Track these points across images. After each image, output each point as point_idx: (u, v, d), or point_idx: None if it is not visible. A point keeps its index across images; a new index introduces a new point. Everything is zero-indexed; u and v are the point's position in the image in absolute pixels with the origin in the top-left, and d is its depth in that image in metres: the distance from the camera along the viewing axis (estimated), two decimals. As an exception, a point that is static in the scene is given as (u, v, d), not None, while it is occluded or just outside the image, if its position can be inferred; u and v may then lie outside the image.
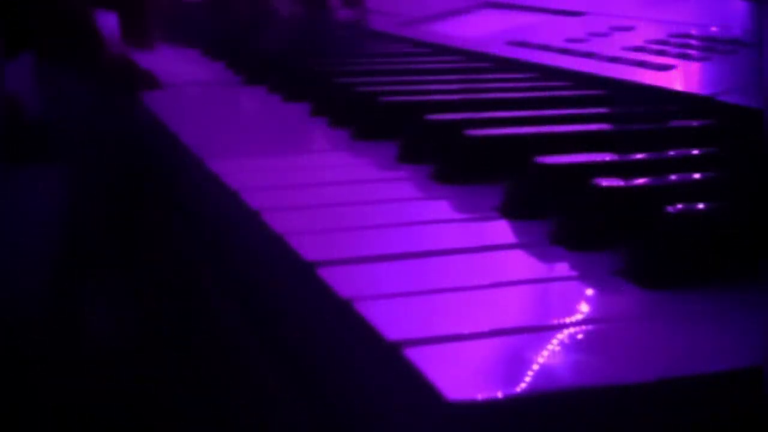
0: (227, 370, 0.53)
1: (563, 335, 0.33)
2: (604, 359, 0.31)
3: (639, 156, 0.49)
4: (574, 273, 0.39)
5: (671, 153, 0.50)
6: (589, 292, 0.37)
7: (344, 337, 0.36)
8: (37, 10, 0.81)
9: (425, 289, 0.37)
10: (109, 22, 0.93)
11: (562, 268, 0.40)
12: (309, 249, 0.40)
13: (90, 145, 0.98)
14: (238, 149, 0.60)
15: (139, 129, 0.77)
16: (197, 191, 0.59)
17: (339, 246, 0.42)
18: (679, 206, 0.38)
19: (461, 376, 0.30)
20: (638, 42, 0.74)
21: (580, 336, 0.33)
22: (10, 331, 0.94)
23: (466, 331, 0.33)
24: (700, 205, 0.39)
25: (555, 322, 0.34)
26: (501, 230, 0.45)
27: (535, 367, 0.31)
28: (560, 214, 0.43)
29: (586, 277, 0.38)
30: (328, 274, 0.38)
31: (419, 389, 0.29)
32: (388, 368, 0.32)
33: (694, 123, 0.56)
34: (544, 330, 0.33)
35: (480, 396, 0.28)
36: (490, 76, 0.77)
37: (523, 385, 0.29)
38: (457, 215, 0.47)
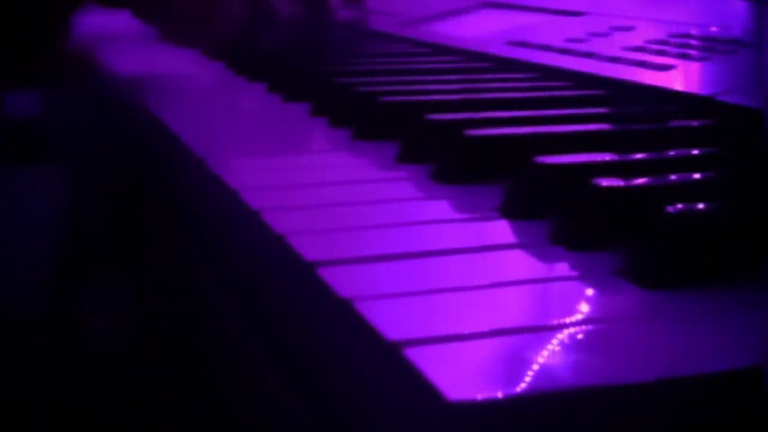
0: (227, 370, 0.53)
1: (563, 335, 0.33)
2: (604, 359, 0.31)
3: (639, 156, 0.49)
4: (574, 273, 0.39)
5: (671, 153, 0.50)
6: (589, 292, 0.37)
7: (344, 337, 0.36)
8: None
9: (425, 289, 0.37)
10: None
11: (562, 268, 0.40)
12: (309, 249, 0.40)
13: (90, 145, 0.98)
14: (238, 149, 0.60)
15: (139, 129, 0.77)
16: (197, 191, 0.59)
17: (339, 246, 0.42)
18: (679, 206, 0.38)
19: (461, 376, 0.30)
20: (638, 42, 0.74)
21: (580, 336, 0.33)
22: (10, 331, 0.94)
23: (466, 331, 0.33)
24: (700, 205, 0.39)
25: (555, 322, 0.34)
26: (501, 230, 0.45)
27: (535, 367, 0.31)
28: (560, 214, 0.43)
29: (586, 277, 0.38)
30: (328, 274, 0.38)
31: (419, 389, 0.29)
32: (388, 368, 0.32)
33: (694, 123, 0.56)
34: (544, 330, 0.33)
35: (480, 396, 0.28)
36: (490, 76, 0.77)
37: (523, 385, 0.29)
38: (457, 215, 0.47)
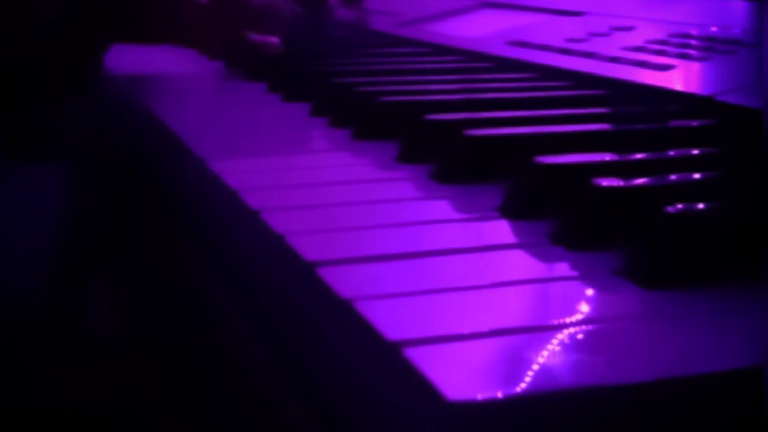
0: (227, 370, 0.53)
1: (563, 335, 0.33)
2: (604, 359, 0.31)
3: (639, 156, 0.49)
4: (574, 273, 0.39)
5: (671, 153, 0.50)
6: (589, 292, 0.37)
7: (344, 337, 0.36)
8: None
9: (425, 289, 0.37)
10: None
11: (562, 268, 0.40)
12: (309, 249, 0.40)
13: (90, 145, 0.98)
14: (238, 149, 0.60)
15: (138, 129, 0.77)
16: (197, 191, 0.59)
17: (339, 246, 0.42)
18: (679, 206, 0.38)
19: (461, 376, 0.30)
20: (638, 42, 0.74)
21: (580, 336, 0.33)
22: (9, 331, 0.94)
23: (466, 331, 0.33)
24: (700, 205, 0.39)
25: (555, 322, 0.34)
26: (501, 230, 0.45)
27: (535, 367, 0.31)
28: (560, 214, 0.43)
29: (586, 277, 0.38)
30: (328, 274, 0.38)
31: (419, 389, 0.29)
32: (388, 368, 0.32)
33: (694, 123, 0.56)
34: (544, 330, 0.33)
35: (480, 396, 0.28)
36: (490, 76, 0.76)
37: (523, 385, 0.29)
38: (457, 215, 0.47)
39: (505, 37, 0.87)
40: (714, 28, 0.74)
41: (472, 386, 0.29)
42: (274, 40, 0.87)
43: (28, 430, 0.83)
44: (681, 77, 0.64)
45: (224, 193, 0.51)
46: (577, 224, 0.42)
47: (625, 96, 0.65)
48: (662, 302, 0.36)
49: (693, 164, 0.47)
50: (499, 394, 0.28)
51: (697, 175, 0.44)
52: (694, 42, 0.71)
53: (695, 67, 0.65)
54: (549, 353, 0.32)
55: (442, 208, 0.48)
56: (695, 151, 0.50)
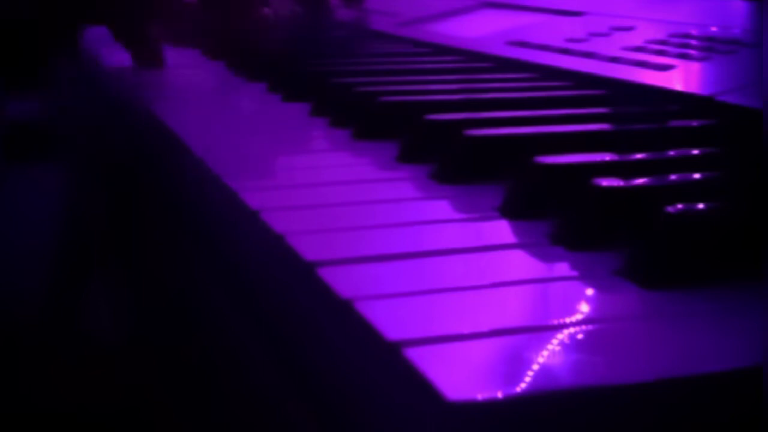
0: (227, 370, 0.53)
1: (563, 335, 0.33)
2: (604, 359, 0.31)
3: (639, 156, 0.49)
4: (574, 273, 0.39)
5: (671, 153, 0.50)
6: (590, 292, 0.37)
7: (344, 337, 0.36)
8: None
9: (425, 289, 0.37)
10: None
11: (562, 268, 0.40)
12: (309, 249, 0.40)
13: (90, 145, 0.98)
14: (238, 149, 0.60)
15: (138, 128, 0.77)
16: (197, 191, 0.59)
17: (339, 246, 0.42)
18: (679, 206, 0.38)
19: (461, 375, 0.30)
20: (638, 42, 0.74)
21: (580, 336, 0.33)
22: (9, 331, 0.94)
23: (466, 331, 0.33)
24: (700, 205, 0.39)
25: (555, 322, 0.34)
26: (501, 230, 0.45)
27: (535, 367, 0.31)
28: (560, 214, 0.43)
29: (586, 277, 0.38)
30: (328, 274, 0.38)
31: (419, 389, 0.29)
32: (388, 368, 0.32)
33: (694, 123, 0.56)
34: (544, 330, 0.33)
35: (480, 396, 0.28)
36: (490, 76, 0.77)
37: (523, 385, 0.29)
38: (457, 215, 0.47)
39: (505, 37, 0.87)
40: (714, 28, 0.74)
41: (472, 386, 0.29)
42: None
43: (28, 430, 0.83)
44: (681, 77, 0.64)
45: (224, 193, 0.51)
46: (577, 224, 0.42)
47: (625, 96, 0.65)
48: (662, 302, 0.36)
49: (693, 164, 0.47)
50: (499, 394, 0.28)
51: (697, 175, 0.44)
52: (694, 42, 0.71)
53: (695, 67, 0.65)
54: (549, 353, 0.32)
55: (442, 208, 0.48)
56: (695, 151, 0.50)
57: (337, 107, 0.68)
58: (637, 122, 0.58)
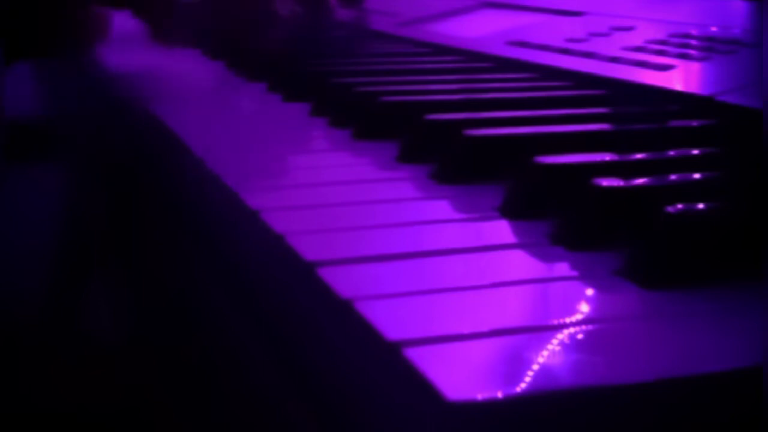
0: (227, 370, 0.53)
1: (563, 335, 0.33)
2: (604, 359, 0.31)
3: (639, 156, 0.49)
4: (574, 273, 0.39)
5: (671, 153, 0.50)
6: (589, 292, 0.37)
7: (344, 337, 0.36)
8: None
9: (425, 289, 0.37)
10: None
11: (562, 268, 0.40)
12: (309, 249, 0.40)
13: (90, 145, 0.98)
14: (238, 149, 0.60)
15: (138, 128, 0.77)
16: (197, 191, 0.59)
17: (339, 246, 0.42)
18: (679, 206, 0.38)
19: (461, 376, 0.30)
20: (638, 42, 0.74)
21: (580, 336, 0.33)
22: (10, 331, 0.94)
23: (466, 331, 0.33)
24: (700, 205, 0.39)
25: (555, 322, 0.34)
26: (501, 230, 0.45)
27: (535, 367, 0.31)
28: (560, 214, 0.43)
29: (586, 277, 0.38)
30: (328, 274, 0.38)
31: (419, 389, 0.29)
32: (388, 368, 0.32)
33: (694, 123, 0.56)
34: (544, 330, 0.33)
35: (480, 396, 0.28)
36: (490, 76, 0.77)
37: (523, 385, 0.29)
38: (457, 215, 0.47)
39: (505, 37, 0.87)
40: (714, 28, 0.74)
41: (472, 386, 0.29)
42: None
43: (28, 430, 0.83)
44: (681, 77, 0.64)
45: (224, 193, 0.51)
46: (577, 224, 0.42)
47: (625, 96, 0.65)
48: (662, 302, 0.36)
49: (693, 164, 0.47)
50: (499, 394, 0.28)
51: (697, 175, 0.44)
52: (694, 42, 0.71)
53: (695, 67, 0.65)
54: (549, 353, 0.32)
55: (442, 208, 0.48)
56: (695, 151, 0.50)
57: (337, 107, 0.68)
58: (637, 122, 0.58)
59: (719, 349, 0.32)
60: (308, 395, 0.40)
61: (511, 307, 0.36)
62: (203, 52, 1.01)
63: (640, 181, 0.43)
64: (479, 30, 0.94)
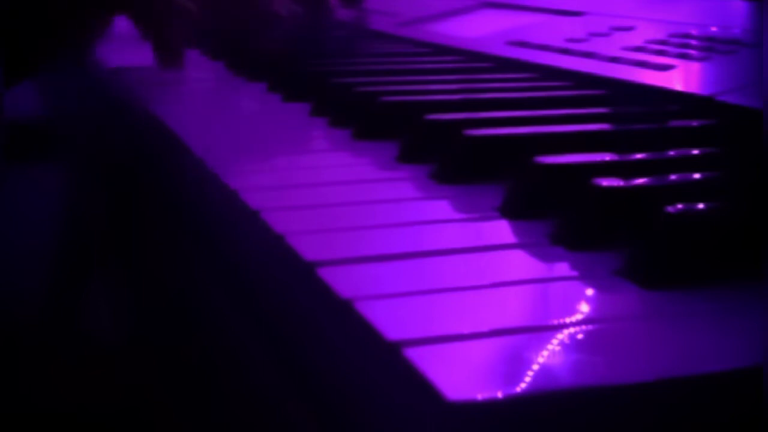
0: (227, 370, 0.53)
1: (563, 335, 0.33)
2: (604, 359, 0.31)
3: (639, 156, 0.49)
4: (574, 273, 0.39)
5: (671, 153, 0.50)
6: (590, 292, 0.37)
7: (344, 337, 0.36)
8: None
9: (425, 289, 0.37)
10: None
11: (563, 268, 0.40)
12: (309, 249, 0.40)
13: (90, 145, 0.98)
14: (238, 149, 0.60)
15: (138, 128, 0.77)
16: (197, 191, 0.59)
17: (339, 246, 0.42)
18: (679, 206, 0.38)
19: (461, 375, 0.30)
20: (638, 42, 0.74)
21: (580, 336, 0.33)
22: (10, 331, 0.94)
23: (466, 331, 0.33)
24: (700, 205, 0.39)
25: (555, 322, 0.34)
26: (501, 230, 0.45)
27: (535, 367, 0.31)
28: (560, 214, 0.43)
29: (586, 277, 0.38)
30: (328, 274, 0.38)
31: (419, 389, 0.29)
32: (388, 368, 0.32)
33: (694, 123, 0.56)
34: (544, 330, 0.33)
35: (480, 396, 0.28)
36: (490, 76, 0.77)
37: (523, 385, 0.29)
38: (457, 215, 0.47)
39: (505, 37, 0.87)
40: (714, 28, 0.74)
41: (472, 386, 0.29)
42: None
43: (28, 430, 0.83)
44: (681, 77, 0.64)
45: (224, 193, 0.51)
46: (577, 224, 0.42)
47: (625, 96, 0.65)
48: (662, 302, 0.36)
49: (693, 164, 0.47)
50: (499, 394, 0.28)
51: (697, 175, 0.44)
52: (694, 42, 0.71)
53: (695, 67, 0.65)
54: (549, 353, 0.32)
55: (442, 208, 0.48)
56: (695, 151, 0.50)
57: (337, 107, 0.68)
58: (637, 122, 0.58)
59: (719, 349, 0.32)
60: (308, 395, 0.40)
61: (511, 307, 0.36)
62: (203, 52, 1.01)
63: (640, 181, 0.43)
64: (479, 30, 0.94)
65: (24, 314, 0.99)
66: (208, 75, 0.92)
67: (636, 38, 0.75)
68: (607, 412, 0.29)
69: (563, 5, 0.92)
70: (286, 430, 0.43)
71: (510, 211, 0.46)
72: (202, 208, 0.59)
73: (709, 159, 0.49)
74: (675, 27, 0.76)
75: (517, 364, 0.31)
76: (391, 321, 0.33)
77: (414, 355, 0.31)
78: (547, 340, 0.32)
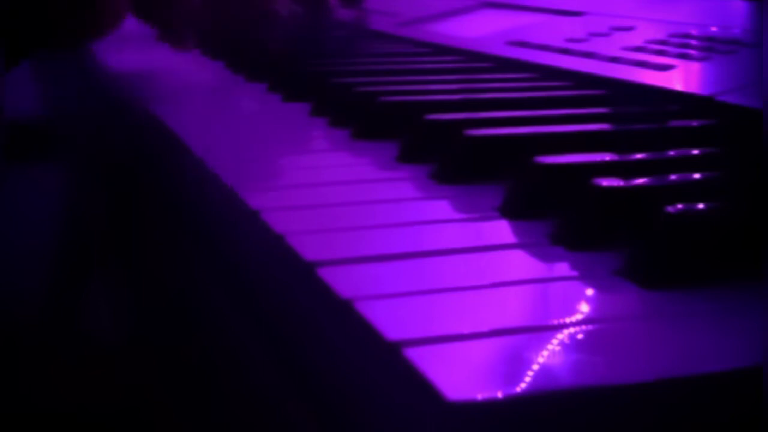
0: (227, 370, 0.53)
1: (563, 335, 0.33)
2: (604, 359, 0.31)
3: (639, 156, 0.49)
4: (574, 273, 0.39)
5: (671, 153, 0.50)
6: (589, 292, 0.37)
7: (344, 337, 0.36)
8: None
9: (425, 289, 0.37)
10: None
11: (562, 268, 0.40)
12: (309, 249, 0.40)
13: (90, 145, 0.98)
14: (238, 149, 0.60)
15: (138, 128, 0.77)
16: (197, 191, 0.59)
17: (339, 246, 0.42)
18: (679, 206, 0.38)
19: (461, 375, 0.30)
20: (638, 42, 0.74)
21: (580, 336, 0.33)
22: (10, 331, 0.94)
23: (466, 331, 0.33)
24: (700, 205, 0.39)
25: (555, 322, 0.34)
26: (501, 230, 0.45)
27: (535, 367, 0.31)
28: (560, 214, 0.43)
29: (586, 277, 0.38)
30: (328, 274, 0.38)
31: (419, 389, 0.29)
32: (388, 368, 0.32)
33: (694, 123, 0.56)
34: (544, 330, 0.33)
35: (480, 396, 0.28)
36: (490, 76, 0.76)
37: (523, 385, 0.29)
38: (457, 215, 0.47)
39: (505, 37, 0.87)
40: (714, 28, 0.74)
41: (472, 386, 0.29)
42: None
43: (28, 430, 0.83)
44: (681, 77, 0.64)
45: (224, 192, 0.51)
46: (577, 224, 0.42)
47: (625, 96, 0.65)
48: (662, 302, 0.36)
49: (693, 164, 0.47)
50: (499, 394, 0.28)
51: (697, 175, 0.44)
52: (694, 42, 0.71)
53: (695, 67, 0.65)
54: (549, 353, 0.32)
55: (442, 208, 0.48)
56: (695, 151, 0.50)
57: (337, 107, 0.68)
58: (637, 122, 0.58)
59: (719, 349, 0.32)
60: (308, 395, 0.40)
61: (511, 307, 0.36)
62: (203, 52, 1.01)
63: (640, 181, 0.43)
64: (479, 30, 0.94)
65: (24, 314, 0.99)
66: (207, 75, 0.92)
67: (636, 38, 0.75)
68: (607, 412, 0.29)
69: (563, 5, 0.92)
70: (286, 430, 0.43)
71: (510, 211, 0.46)
72: (202, 208, 0.59)
73: (709, 159, 0.49)
74: (675, 27, 0.76)
75: (517, 364, 0.31)
76: (391, 321, 0.33)
77: (414, 355, 0.31)
78: (547, 340, 0.32)
